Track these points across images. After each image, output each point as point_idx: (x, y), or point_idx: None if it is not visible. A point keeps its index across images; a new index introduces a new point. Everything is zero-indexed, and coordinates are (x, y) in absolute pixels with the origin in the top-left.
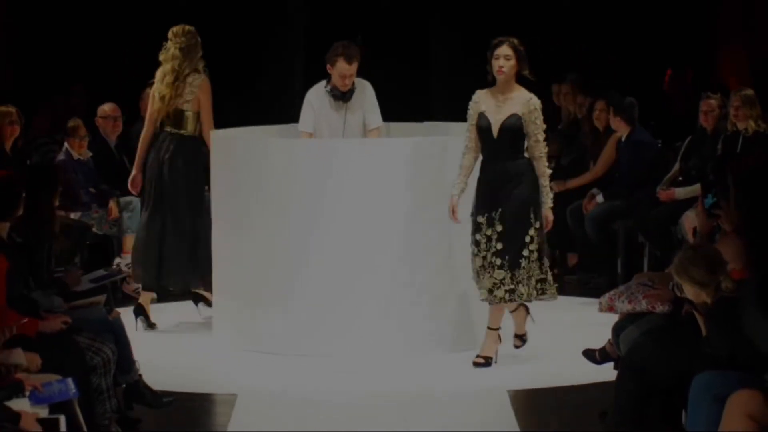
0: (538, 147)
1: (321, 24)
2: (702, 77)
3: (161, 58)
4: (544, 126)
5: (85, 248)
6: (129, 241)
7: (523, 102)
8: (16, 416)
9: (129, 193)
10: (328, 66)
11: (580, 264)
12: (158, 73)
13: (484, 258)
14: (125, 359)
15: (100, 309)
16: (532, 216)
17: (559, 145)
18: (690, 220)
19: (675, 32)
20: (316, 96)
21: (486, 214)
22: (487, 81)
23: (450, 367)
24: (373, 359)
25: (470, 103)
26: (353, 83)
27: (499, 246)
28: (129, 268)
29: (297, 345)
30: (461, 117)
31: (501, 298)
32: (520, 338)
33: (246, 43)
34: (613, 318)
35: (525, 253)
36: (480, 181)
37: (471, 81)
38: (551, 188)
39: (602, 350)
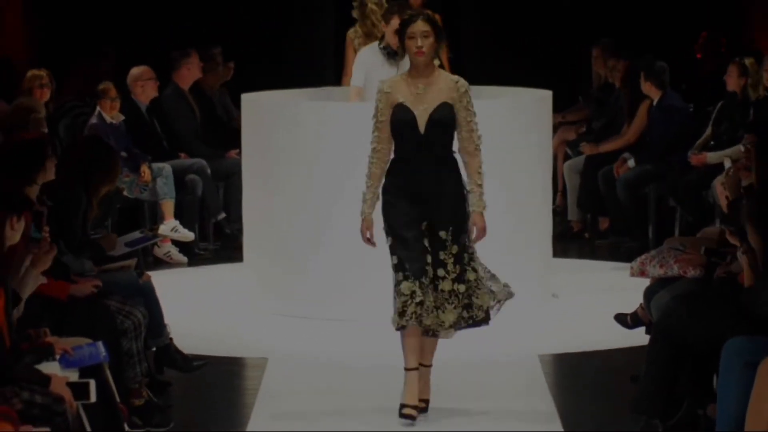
0: (471, 139)
1: None
2: (735, 42)
3: (355, 14)
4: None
5: (116, 212)
6: (167, 206)
7: (450, 86)
8: (46, 380)
9: (160, 159)
10: (382, 24)
11: (612, 228)
12: (360, 29)
13: (437, 288)
14: (156, 323)
15: (131, 272)
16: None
17: (590, 109)
18: (722, 185)
19: None
20: (369, 53)
21: (425, 230)
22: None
23: (479, 331)
24: None
25: (378, 95)
26: None
27: (458, 269)
28: (174, 232)
29: (327, 309)
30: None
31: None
32: (426, 402)
33: (276, 6)
34: (645, 282)
35: (470, 275)
36: (396, 187)
37: (501, 64)
38: (582, 149)
39: (634, 315)
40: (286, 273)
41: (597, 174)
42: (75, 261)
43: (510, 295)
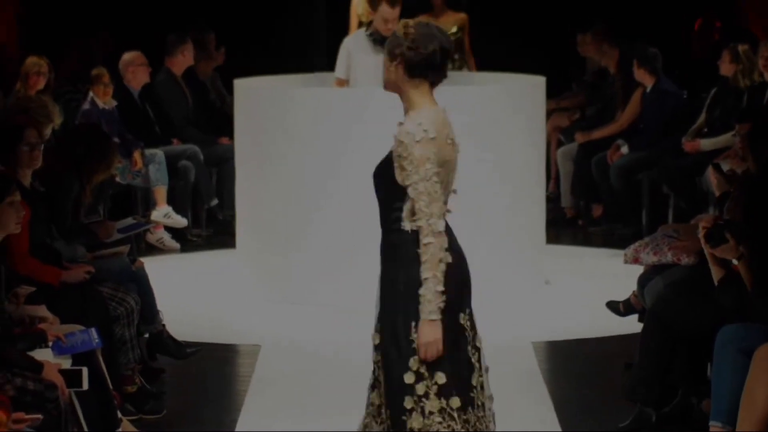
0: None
1: None
2: (730, 27)
3: None
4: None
5: (108, 198)
6: (159, 193)
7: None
8: (39, 366)
9: (153, 144)
10: (369, 11)
11: (605, 215)
12: None
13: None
14: (148, 309)
15: (123, 259)
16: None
17: (584, 96)
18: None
19: None
20: (354, 41)
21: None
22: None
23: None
24: None
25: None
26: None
27: (378, 375)
28: (167, 218)
29: (320, 296)
30: None
31: None
32: None
33: None
34: (638, 269)
35: (408, 404)
36: None
37: (495, 50)
38: (576, 138)
39: (626, 302)
40: (279, 259)
41: (590, 160)
42: (67, 247)
43: None
